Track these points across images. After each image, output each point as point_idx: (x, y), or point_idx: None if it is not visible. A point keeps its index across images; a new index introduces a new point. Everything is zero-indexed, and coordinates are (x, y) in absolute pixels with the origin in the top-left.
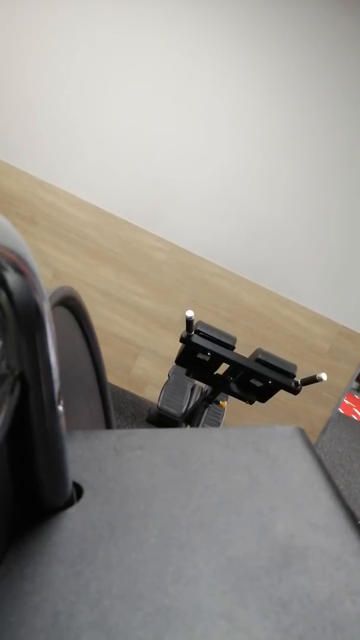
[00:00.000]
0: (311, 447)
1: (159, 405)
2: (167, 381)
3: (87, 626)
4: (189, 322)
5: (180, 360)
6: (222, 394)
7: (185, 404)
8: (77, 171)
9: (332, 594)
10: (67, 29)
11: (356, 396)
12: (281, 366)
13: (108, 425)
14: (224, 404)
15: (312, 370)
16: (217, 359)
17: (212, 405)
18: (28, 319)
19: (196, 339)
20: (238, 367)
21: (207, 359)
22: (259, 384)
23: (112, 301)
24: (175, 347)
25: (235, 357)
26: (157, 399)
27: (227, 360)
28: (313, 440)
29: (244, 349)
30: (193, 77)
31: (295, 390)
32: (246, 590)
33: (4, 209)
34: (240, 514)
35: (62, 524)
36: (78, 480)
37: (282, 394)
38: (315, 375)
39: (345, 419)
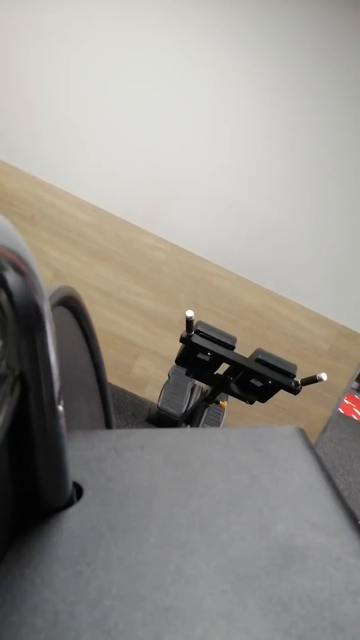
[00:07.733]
0: (311, 447)
1: (159, 405)
2: (167, 381)
3: (87, 626)
4: (189, 322)
5: (180, 360)
6: (222, 394)
7: (185, 404)
8: (77, 171)
9: (332, 594)
10: (67, 28)
11: (356, 396)
12: (281, 366)
13: (108, 425)
14: (224, 404)
15: (312, 370)
16: (217, 359)
17: (212, 405)
18: (28, 319)
19: (196, 339)
20: (238, 367)
21: (207, 359)
22: (259, 384)
23: (112, 301)
24: (175, 347)
25: (235, 357)
26: (157, 399)
27: (227, 360)
28: (313, 440)
29: (244, 349)
30: (193, 77)
31: (295, 390)
32: (246, 590)
33: (4, 209)
34: (240, 514)
35: (62, 524)
36: (78, 480)
37: (282, 393)
38: (315, 375)
39: (345, 419)
